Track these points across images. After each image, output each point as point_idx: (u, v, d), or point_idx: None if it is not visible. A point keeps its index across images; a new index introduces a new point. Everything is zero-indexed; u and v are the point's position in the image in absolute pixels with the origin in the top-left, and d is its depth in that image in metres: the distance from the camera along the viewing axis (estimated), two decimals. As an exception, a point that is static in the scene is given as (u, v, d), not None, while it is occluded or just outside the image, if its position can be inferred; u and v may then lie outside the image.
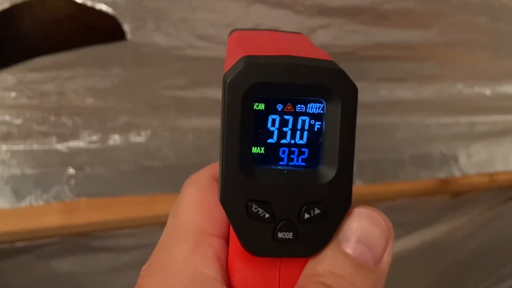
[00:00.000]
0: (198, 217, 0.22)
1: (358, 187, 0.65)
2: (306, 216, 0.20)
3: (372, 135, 0.68)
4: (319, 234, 0.20)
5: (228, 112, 0.19)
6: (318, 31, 0.59)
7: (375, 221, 0.21)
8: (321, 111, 0.20)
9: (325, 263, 0.20)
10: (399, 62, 0.66)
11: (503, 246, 0.87)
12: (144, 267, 0.22)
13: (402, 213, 0.72)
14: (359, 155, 0.69)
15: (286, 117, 0.20)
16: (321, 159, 0.21)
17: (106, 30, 0.52)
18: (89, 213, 0.54)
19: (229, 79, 0.19)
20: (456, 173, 0.71)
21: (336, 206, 0.20)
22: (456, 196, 0.75)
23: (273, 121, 0.20)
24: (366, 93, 0.65)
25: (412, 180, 0.68)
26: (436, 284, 0.85)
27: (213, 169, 0.25)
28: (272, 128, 0.20)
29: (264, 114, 0.20)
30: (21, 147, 0.54)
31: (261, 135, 0.20)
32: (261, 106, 0.20)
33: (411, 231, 0.75)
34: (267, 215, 0.20)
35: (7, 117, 0.53)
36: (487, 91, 0.72)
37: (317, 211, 0.20)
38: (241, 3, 0.55)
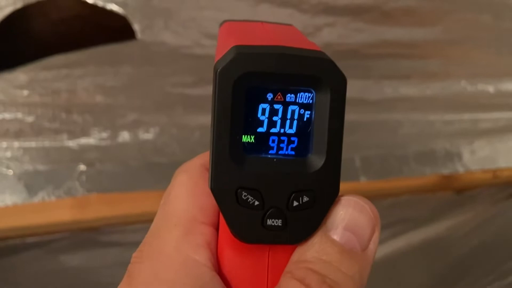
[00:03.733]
0: (188, 205, 0.23)
1: (363, 183, 0.65)
2: (295, 203, 0.20)
3: (377, 131, 0.68)
4: (307, 222, 0.21)
5: (219, 101, 0.19)
6: (324, 30, 0.59)
7: (362, 209, 0.21)
8: (311, 101, 0.20)
9: (313, 250, 0.21)
10: (404, 59, 0.66)
11: (506, 242, 0.87)
12: (134, 254, 0.22)
13: (406, 209, 0.73)
14: (364, 152, 0.69)
15: (276, 106, 0.20)
16: (310, 148, 0.21)
17: (117, 29, 0.53)
18: (100, 208, 0.55)
19: (220, 68, 0.19)
20: (460, 169, 0.71)
21: (324, 194, 0.20)
22: (459, 192, 0.75)
23: (263, 110, 0.20)
24: (370, 91, 0.65)
25: (416, 176, 0.69)
26: (439, 279, 0.85)
27: (204, 158, 0.25)
28: (262, 117, 0.20)
29: (254, 103, 0.20)
30: (33, 144, 0.55)
31: (251, 124, 0.20)
32: (252, 95, 0.20)
33: (415, 227, 0.76)
34: (256, 203, 0.20)
35: (19, 115, 0.54)
36: (490, 88, 0.72)
37: (305, 199, 0.20)
38: (248, 3, 0.56)
